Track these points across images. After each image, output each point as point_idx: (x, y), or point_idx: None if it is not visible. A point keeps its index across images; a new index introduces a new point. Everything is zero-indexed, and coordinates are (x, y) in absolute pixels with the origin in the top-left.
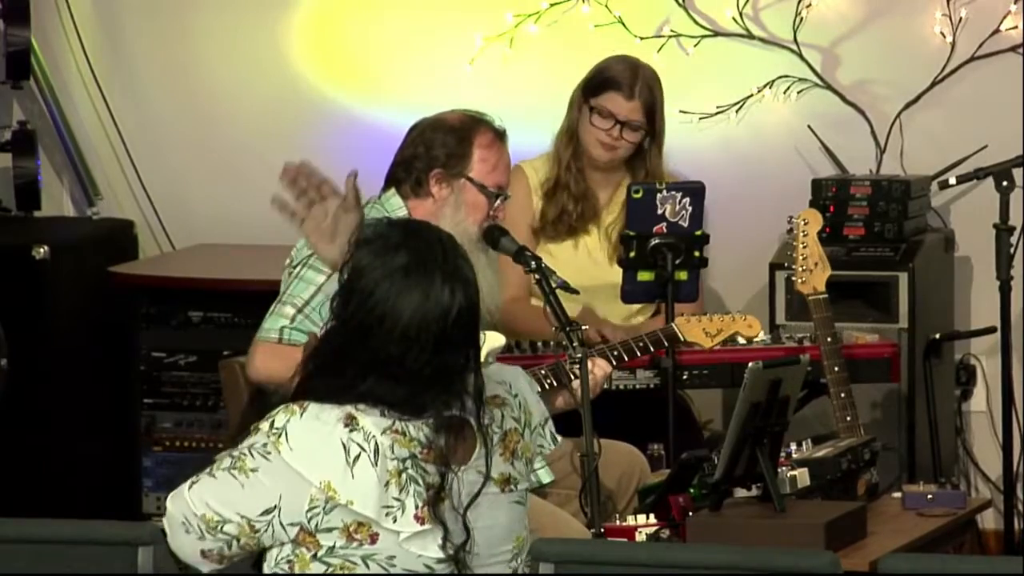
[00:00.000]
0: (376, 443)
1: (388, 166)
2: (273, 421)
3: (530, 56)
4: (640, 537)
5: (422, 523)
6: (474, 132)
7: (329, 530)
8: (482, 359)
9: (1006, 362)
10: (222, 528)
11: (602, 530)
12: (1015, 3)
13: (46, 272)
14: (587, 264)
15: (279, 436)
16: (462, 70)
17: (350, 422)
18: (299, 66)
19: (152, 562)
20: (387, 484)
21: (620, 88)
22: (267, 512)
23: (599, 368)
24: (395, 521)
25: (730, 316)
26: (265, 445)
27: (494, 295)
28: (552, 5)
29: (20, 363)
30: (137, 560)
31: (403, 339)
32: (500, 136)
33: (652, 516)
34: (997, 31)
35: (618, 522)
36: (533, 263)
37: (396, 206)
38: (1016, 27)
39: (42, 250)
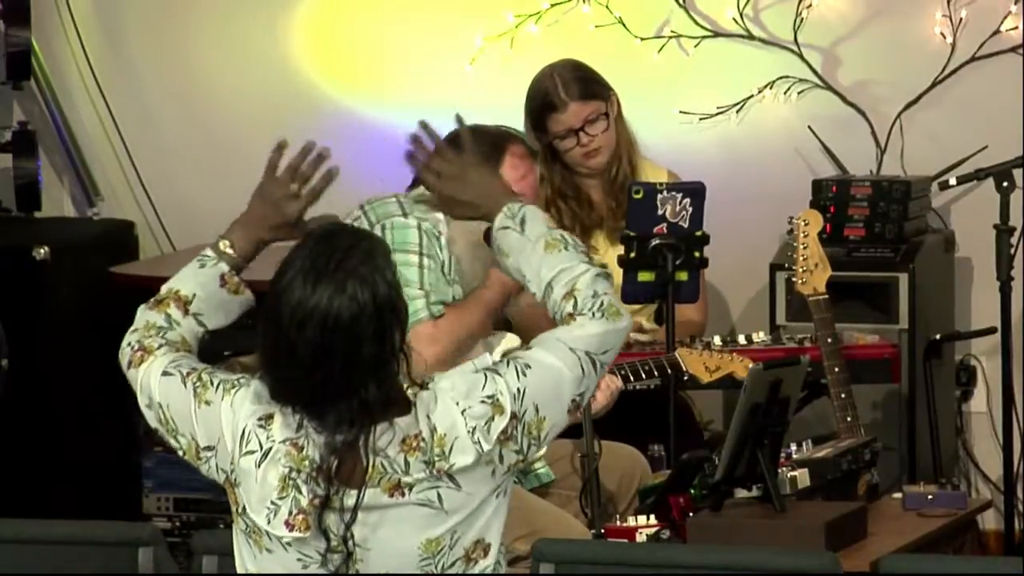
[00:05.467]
0: (273, 448)
1: (388, 166)
2: (246, 376)
3: (530, 56)
4: (640, 538)
5: (291, 529)
6: (509, 141)
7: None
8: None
9: (1006, 363)
10: (175, 436)
11: (602, 531)
12: (1015, 3)
13: (46, 272)
14: None
15: (235, 386)
16: (462, 70)
17: (264, 419)
18: (299, 66)
19: (152, 562)
20: (272, 487)
21: (553, 107)
22: (209, 449)
23: (610, 383)
24: (268, 522)
25: (729, 355)
26: (227, 383)
27: None
28: (553, 5)
29: (20, 363)
30: (137, 560)
31: (286, 335)
32: (533, 153)
33: (652, 517)
34: (997, 32)
35: (618, 523)
36: None
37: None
38: (1016, 28)
39: (42, 251)
